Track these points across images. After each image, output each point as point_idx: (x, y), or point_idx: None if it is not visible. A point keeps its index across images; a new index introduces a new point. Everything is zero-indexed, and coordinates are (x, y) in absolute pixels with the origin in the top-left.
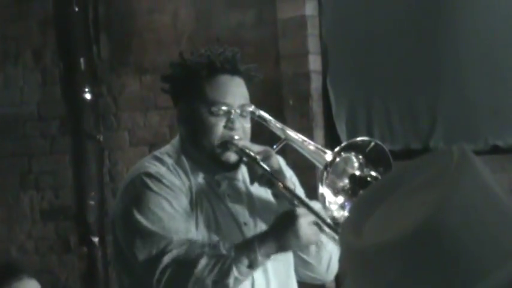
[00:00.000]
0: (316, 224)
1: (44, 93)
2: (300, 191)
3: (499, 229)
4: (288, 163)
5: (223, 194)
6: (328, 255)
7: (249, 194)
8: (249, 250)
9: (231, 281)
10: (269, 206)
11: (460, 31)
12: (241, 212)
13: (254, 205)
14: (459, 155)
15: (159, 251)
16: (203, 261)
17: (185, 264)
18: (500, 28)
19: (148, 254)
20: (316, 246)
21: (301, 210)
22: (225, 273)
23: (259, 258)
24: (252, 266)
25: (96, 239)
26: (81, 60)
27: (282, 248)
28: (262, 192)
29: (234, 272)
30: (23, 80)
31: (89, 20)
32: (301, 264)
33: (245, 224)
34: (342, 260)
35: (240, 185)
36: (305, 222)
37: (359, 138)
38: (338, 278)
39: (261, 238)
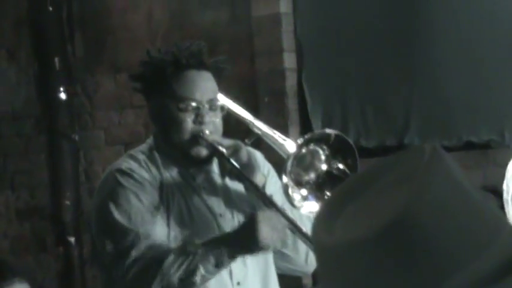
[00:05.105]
0: (279, 226)
1: (18, 93)
2: (275, 185)
3: (469, 225)
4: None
5: (198, 187)
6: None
7: (225, 186)
8: (216, 250)
9: (197, 278)
10: (245, 197)
11: (434, 28)
12: (217, 203)
13: (230, 196)
14: (430, 152)
15: (126, 245)
16: (170, 258)
17: (153, 261)
18: (473, 25)
19: (115, 247)
20: (292, 238)
21: (261, 216)
22: (191, 271)
23: (226, 259)
24: (218, 265)
25: (72, 239)
26: (56, 59)
27: (244, 251)
28: (239, 184)
29: (201, 270)
30: None
31: (63, 19)
32: (279, 256)
33: (221, 215)
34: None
35: (216, 177)
36: (266, 228)
37: (317, 132)
38: (314, 276)
39: (227, 240)
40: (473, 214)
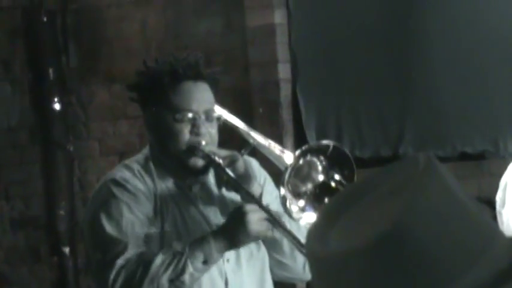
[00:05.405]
0: (268, 220)
1: (13, 103)
2: (271, 194)
3: (464, 235)
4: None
5: (194, 197)
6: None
7: (222, 196)
8: (203, 245)
9: (186, 277)
10: None
11: (429, 38)
12: (213, 213)
13: (227, 207)
14: (425, 162)
15: (113, 255)
16: (158, 260)
17: (140, 264)
18: (468, 36)
19: (104, 258)
20: (289, 247)
21: (250, 207)
22: (180, 270)
23: (214, 253)
24: (207, 261)
25: (66, 249)
26: (50, 69)
27: (234, 243)
28: (235, 194)
29: (190, 268)
30: None
31: (58, 29)
32: (276, 264)
33: (217, 225)
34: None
35: (212, 187)
36: (254, 218)
37: (315, 143)
38: (309, 284)
39: (215, 234)
40: (468, 224)
